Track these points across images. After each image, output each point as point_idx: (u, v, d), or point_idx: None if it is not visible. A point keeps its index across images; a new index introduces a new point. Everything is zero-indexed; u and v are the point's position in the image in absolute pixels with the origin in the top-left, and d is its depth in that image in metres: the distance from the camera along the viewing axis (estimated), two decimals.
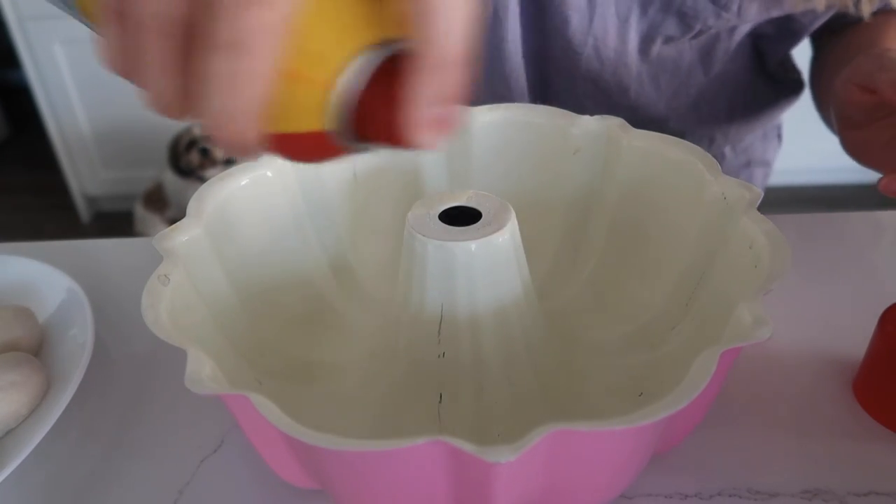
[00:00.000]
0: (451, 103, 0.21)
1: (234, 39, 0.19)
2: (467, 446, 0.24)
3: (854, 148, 0.48)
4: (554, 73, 0.60)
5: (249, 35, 0.19)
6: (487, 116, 0.47)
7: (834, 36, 0.60)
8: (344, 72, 0.21)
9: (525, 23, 0.57)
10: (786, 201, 2.01)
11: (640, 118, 0.62)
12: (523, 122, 0.47)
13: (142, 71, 0.22)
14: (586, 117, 0.45)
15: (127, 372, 0.47)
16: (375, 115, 0.21)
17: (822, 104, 0.61)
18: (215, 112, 0.21)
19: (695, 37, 0.57)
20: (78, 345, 0.45)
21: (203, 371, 0.29)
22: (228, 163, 1.81)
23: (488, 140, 0.48)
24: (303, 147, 0.22)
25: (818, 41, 0.63)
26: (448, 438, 0.25)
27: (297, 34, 0.20)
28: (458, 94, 0.21)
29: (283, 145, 0.22)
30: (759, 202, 0.37)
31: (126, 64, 0.22)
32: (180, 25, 0.21)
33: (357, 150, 0.23)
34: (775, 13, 0.55)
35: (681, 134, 0.60)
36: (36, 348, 0.46)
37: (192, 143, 1.77)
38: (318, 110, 0.21)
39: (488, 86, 0.60)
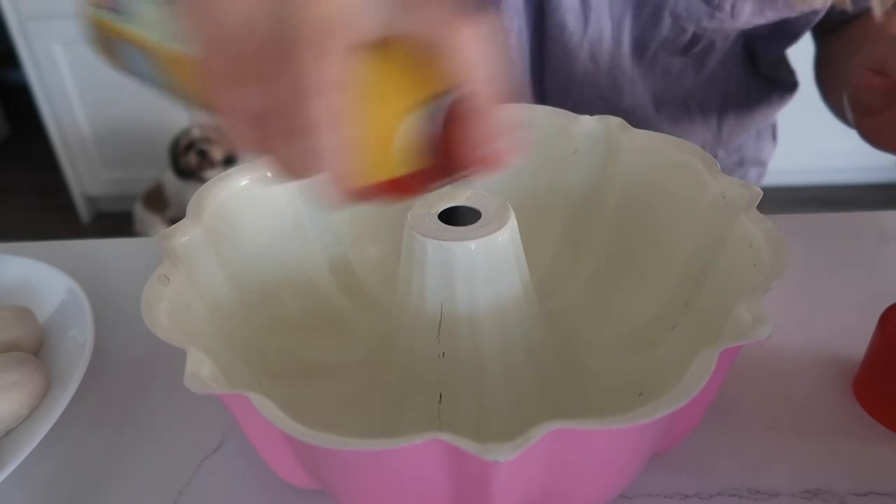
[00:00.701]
0: (504, 138, 0.26)
1: (309, 126, 0.23)
2: (467, 445, 0.24)
3: (873, 134, 0.48)
4: (548, 75, 0.60)
5: (321, 121, 0.23)
6: None
7: (837, 32, 0.60)
8: (407, 129, 0.25)
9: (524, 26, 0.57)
10: (786, 201, 2.01)
11: (633, 121, 0.62)
12: (523, 123, 0.47)
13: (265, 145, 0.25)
14: (586, 117, 0.45)
15: (127, 372, 0.47)
16: (447, 155, 0.26)
17: (832, 98, 0.60)
18: (321, 174, 0.24)
19: (690, 43, 0.57)
20: (78, 345, 0.45)
21: (203, 371, 0.29)
22: (227, 163, 1.82)
23: None
24: (392, 190, 0.27)
25: (821, 38, 0.63)
26: (447, 437, 0.25)
27: (362, 109, 0.24)
28: (510, 128, 0.25)
29: (374, 192, 0.27)
30: (758, 201, 0.37)
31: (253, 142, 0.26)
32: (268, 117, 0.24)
33: (438, 187, 0.28)
34: (770, 15, 0.55)
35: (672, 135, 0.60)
36: (36, 348, 0.46)
37: (191, 145, 1.77)
38: (394, 161, 0.26)
39: None
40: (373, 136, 0.25)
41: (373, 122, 0.25)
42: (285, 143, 0.24)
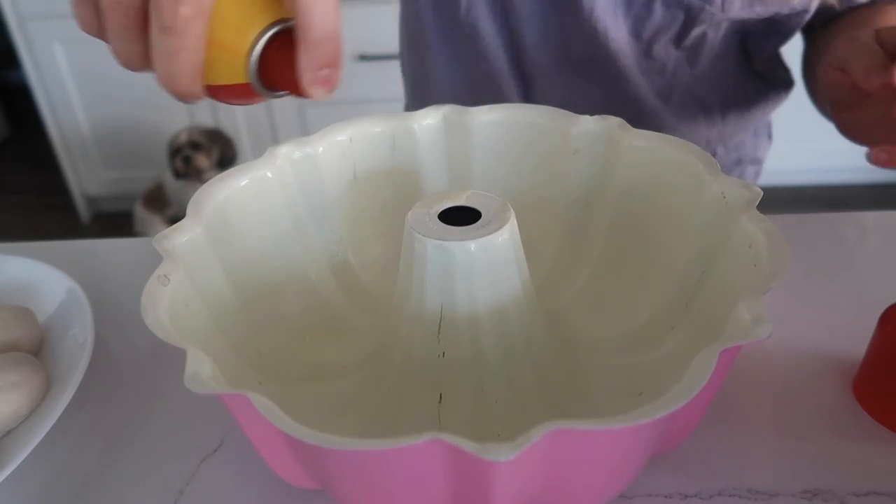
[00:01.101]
0: (332, 66, 0.29)
1: (169, 25, 0.27)
2: (466, 445, 0.24)
3: (848, 129, 0.49)
4: (569, 62, 0.62)
5: (181, 22, 0.27)
6: (487, 116, 0.47)
7: (823, 29, 0.61)
8: (255, 42, 0.29)
9: (541, 12, 0.60)
10: (785, 201, 2.01)
11: (639, 111, 0.63)
12: (523, 122, 0.47)
13: (108, 36, 0.29)
14: (586, 117, 0.45)
15: (127, 372, 0.47)
16: (280, 73, 0.30)
17: (816, 95, 0.61)
18: (162, 73, 0.28)
19: (683, 31, 0.58)
20: (78, 345, 0.45)
21: (203, 371, 0.29)
22: (222, 166, 1.82)
23: (488, 140, 0.48)
24: (231, 95, 0.31)
25: (809, 35, 0.64)
26: (447, 437, 0.25)
27: (219, 18, 0.29)
28: (337, 59, 0.29)
29: (216, 94, 0.31)
30: (758, 201, 0.37)
31: (97, 30, 0.30)
32: (134, 9, 0.28)
33: (270, 97, 0.31)
34: (759, 9, 0.56)
35: (679, 132, 0.61)
36: (36, 348, 0.46)
37: (178, 151, 1.78)
38: (240, 70, 0.30)
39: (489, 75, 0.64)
40: (225, 44, 0.30)
41: (227, 31, 0.29)
42: (158, 38, 0.27)
